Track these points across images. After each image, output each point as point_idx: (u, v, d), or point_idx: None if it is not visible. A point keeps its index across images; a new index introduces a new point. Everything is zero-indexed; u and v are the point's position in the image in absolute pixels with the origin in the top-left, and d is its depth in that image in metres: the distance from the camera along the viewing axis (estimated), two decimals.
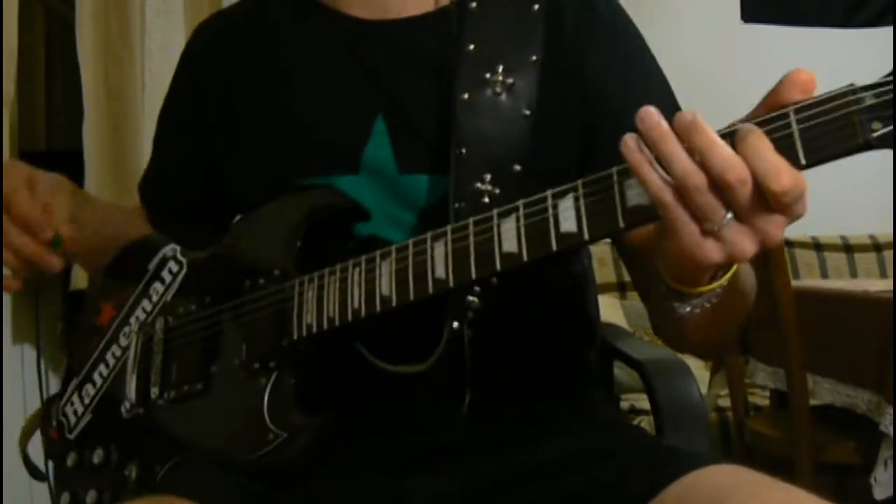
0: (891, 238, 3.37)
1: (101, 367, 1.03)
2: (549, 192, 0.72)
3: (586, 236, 0.70)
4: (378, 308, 0.81)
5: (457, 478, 0.88)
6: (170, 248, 1.03)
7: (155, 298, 1.01)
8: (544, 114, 0.90)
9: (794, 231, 3.15)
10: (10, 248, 0.92)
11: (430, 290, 0.78)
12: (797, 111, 0.61)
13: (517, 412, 0.92)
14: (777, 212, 0.62)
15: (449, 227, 0.78)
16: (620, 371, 1.31)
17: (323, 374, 0.89)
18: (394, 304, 0.80)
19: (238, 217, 1.00)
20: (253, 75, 1.00)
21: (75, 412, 1.05)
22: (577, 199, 0.70)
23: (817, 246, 3.42)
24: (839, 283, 2.83)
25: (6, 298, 2.06)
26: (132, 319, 1.03)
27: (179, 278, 1.01)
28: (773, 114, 0.62)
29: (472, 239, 0.76)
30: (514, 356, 0.92)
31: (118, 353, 1.02)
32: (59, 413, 1.06)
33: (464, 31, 0.92)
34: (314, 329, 0.85)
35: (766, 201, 0.61)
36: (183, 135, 1.08)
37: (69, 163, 2.17)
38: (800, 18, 3.65)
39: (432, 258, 0.78)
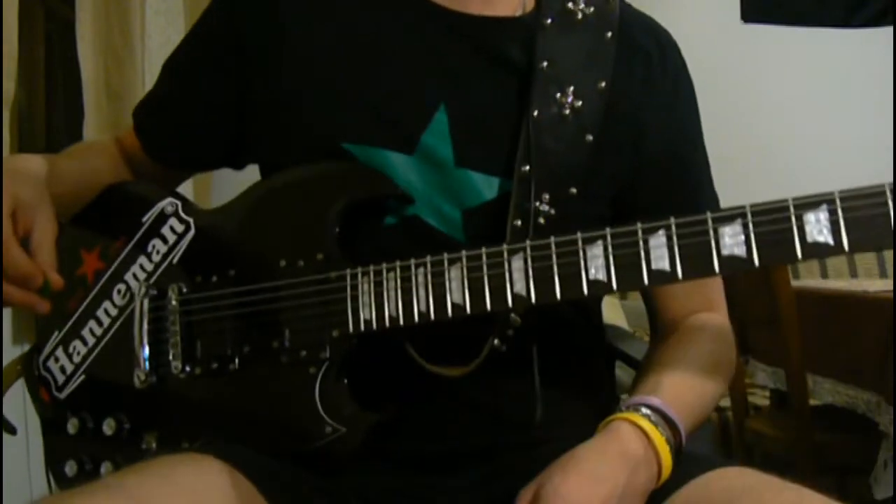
0: None
1: (93, 324, 0.99)
2: (639, 226, 0.74)
3: (680, 276, 0.73)
4: (450, 314, 0.81)
5: (475, 478, 0.89)
6: (168, 203, 0.99)
7: (156, 258, 0.97)
8: (603, 141, 0.90)
9: None
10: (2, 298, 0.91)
11: (510, 304, 0.78)
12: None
13: (540, 416, 0.92)
14: None
15: (528, 244, 0.78)
16: (621, 371, 1.31)
17: (369, 369, 0.88)
18: (468, 312, 0.80)
19: (258, 182, 0.96)
20: (311, 33, 0.95)
21: (62, 369, 1.00)
22: (669, 238, 0.72)
23: None
24: (839, 283, 2.82)
25: None
26: (127, 276, 0.98)
27: (187, 240, 0.96)
28: (870, 189, 0.68)
29: (555, 259, 0.76)
30: (540, 363, 0.92)
31: (113, 311, 0.98)
32: (41, 367, 1.02)
33: (538, 46, 0.92)
34: (373, 325, 0.84)
35: None
36: (209, 73, 1.01)
37: None
38: (800, 18, 3.65)
39: (510, 272, 0.78)
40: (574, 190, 0.88)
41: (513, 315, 0.84)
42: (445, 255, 0.81)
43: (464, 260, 0.80)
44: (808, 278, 3.30)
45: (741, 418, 2.45)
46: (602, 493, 0.74)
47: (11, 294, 0.90)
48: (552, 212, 0.87)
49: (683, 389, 0.87)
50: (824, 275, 3.39)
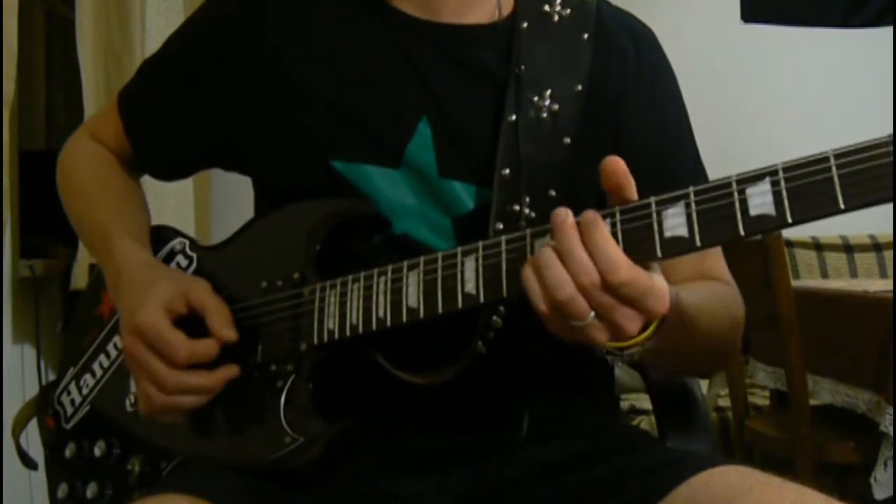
0: (891, 238, 3.37)
1: (102, 358, 1.02)
2: (581, 218, 0.72)
3: None
4: (405, 319, 0.81)
5: (465, 478, 0.89)
6: (178, 242, 1.02)
7: None
8: (582, 142, 0.90)
9: (794, 231, 3.15)
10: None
11: (460, 304, 0.78)
12: (837, 157, 0.63)
13: (527, 415, 0.92)
14: (628, 305, 0.68)
15: (480, 244, 0.78)
16: (620, 371, 1.31)
17: (339, 380, 0.89)
18: (421, 315, 0.80)
19: (253, 217, 0.99)
20: (296, 51, 0.95)
21: (72, 402, 1.04)
22: (613, 226, 0.71)
23: (817, 246, 3.42)
24: (839, 283, 2.82)
25: (6, 298, 2.06)
26: None
27: (189, 273, 0.99)
28: (813, 157, 0.64)
29: (504, 256, 0.76)
30: (526, 364, 0.93)
31: (121, 344, 1.00)
32: (55, 402, 1.05)
33: (514, 51, 0.92)
34: (336, 335, 0.85)
35: (619, 299, 0.68)
36: (196, 88, 1.01)
37: None
38: (800, 18, 3.64)
39: (462, 273, 0.78)
40: (553, 192, 0.88)
41: (494, 317, 0.84)
42: (405, 262, 0.82)
43: (421, 265, 0.81)
44: (808, 278, 3.30)
45: (741, 418, 2.45)
46: None
47: (183, 404, 0.89)
48: (533, 214, 0.87)
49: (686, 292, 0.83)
50: (824, 275, 3.39)
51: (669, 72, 1.02)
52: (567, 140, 0.90)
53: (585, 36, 0.94)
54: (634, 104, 0.96)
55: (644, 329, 0.74)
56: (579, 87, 0.92)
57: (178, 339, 0.87)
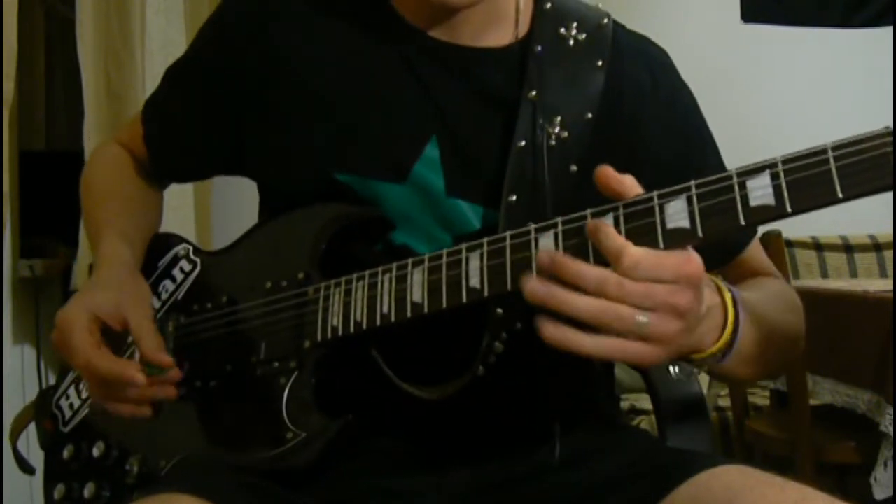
0: (891, 238, 3.37)
1: None
2: (588, 211, 0.73)
3: None
4: (409, 314, 0.81)
5: (464, 478, 0.89)
6: (182, 248, 1.03)
7: (164, 296, 1.01)
8: (588, 170, 0.89)
9: (794, 231, 3.15)
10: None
11: (464, 298, 0.78)
12: (835, 149, 0.65)
13: (526, 415, 0.93)
14: (660, 282, 0.68)
15: (485, 240, 0.78)
16: (620, 371, 1.32)
17: (341, 379, 0.89)
18: (426, 310, 0.80)
19: (257, 222, 1.00)
20: (305, 63, 0.95)
21: (71, 406, 1.04)
22: (617, 220, 0.71)
23: (817, 246, 3.41)
24: (839, 283, 2.82)
25: (6, 298, 2.06)
26: None
27: (192, 277, 1.00)
28: (811, 149, 0.66)
29: (508, 252, 0.76)
30: (526, 370, 0.92)
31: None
32: (53, 406, 1.06)
33: (526, 75, 0.92)
34: (339, 332, 0.86)
35: (646, 280, 0.67)
36: (206, 99, 1.02)
37: (69, 163, 2.17)
38: (800, 18, 3.64)
39: (467, 270, 0.78)
40: (558, 219, 0.88)
41: (496, 343, 0.84)
42: (410, 260, 0.83)
43: (426, 262, 0.81)
44: (808, 278, 3.30)
45: (741, 418, 2.45)
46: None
47: (118, 409, 0.91)
48: None
49: (746, 293, 0.83)
50: (824, 275, 3.39)
51: (687, 95, 1.01)
52: (574, 168, 0.90)
53: (599, 63, 0.94)
54: (650, 132, 0.95)
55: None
56: (589, 115, 0.91)
57: (82, 344, 0.88)
